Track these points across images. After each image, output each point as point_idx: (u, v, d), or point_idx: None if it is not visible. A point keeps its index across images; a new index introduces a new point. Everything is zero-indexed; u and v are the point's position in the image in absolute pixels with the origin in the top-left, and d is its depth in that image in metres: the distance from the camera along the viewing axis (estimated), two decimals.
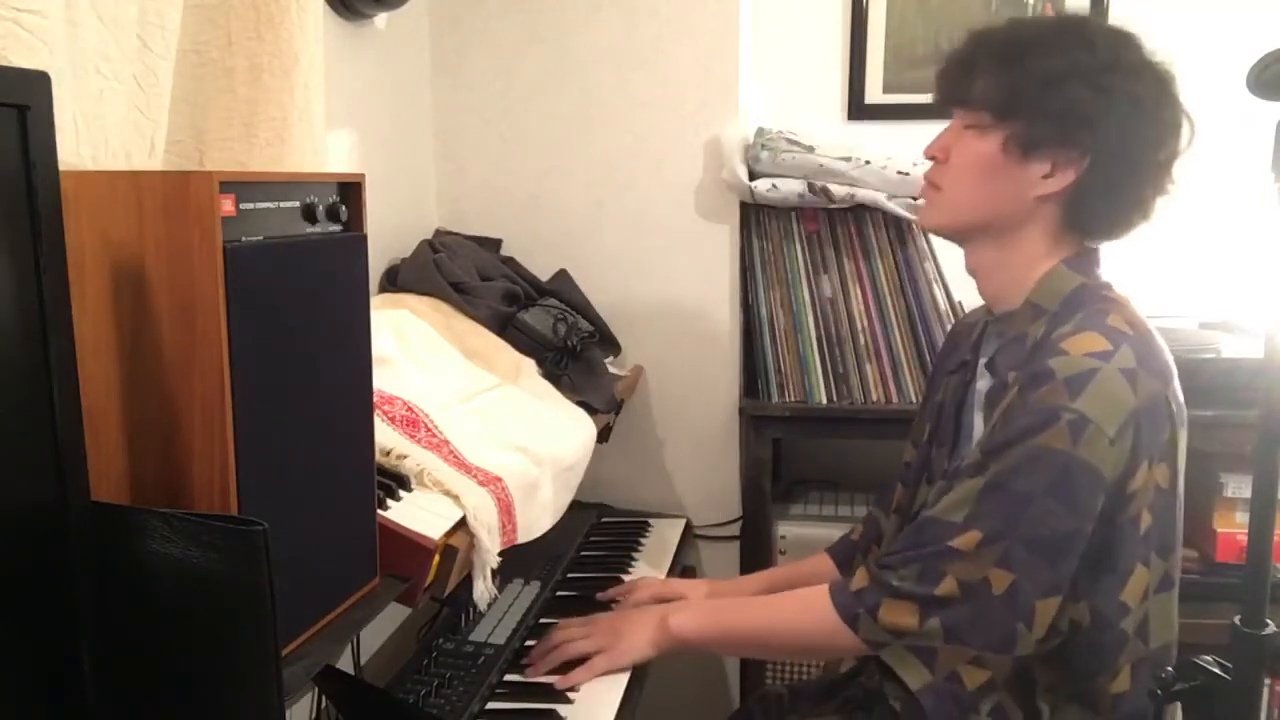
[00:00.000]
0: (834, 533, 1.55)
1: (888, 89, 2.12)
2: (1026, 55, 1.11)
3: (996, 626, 1.08)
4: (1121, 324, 1.11)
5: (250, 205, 0.78)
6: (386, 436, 1.14)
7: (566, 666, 1.31)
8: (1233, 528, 1.81)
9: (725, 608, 1.36)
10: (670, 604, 1.33)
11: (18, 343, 0.64)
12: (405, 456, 1.13)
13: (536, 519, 1.31)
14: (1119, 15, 2.04)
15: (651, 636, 1.28)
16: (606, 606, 1.51)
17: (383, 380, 1.18)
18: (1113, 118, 1.09)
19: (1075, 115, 1.09)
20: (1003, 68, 1.12)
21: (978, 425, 1.23)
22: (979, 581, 1.08)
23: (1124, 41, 1.12)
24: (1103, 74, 1.09)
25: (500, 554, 1.18)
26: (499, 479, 1.21)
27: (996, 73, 1.13)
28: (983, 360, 1.26)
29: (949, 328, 1.82)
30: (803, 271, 1.91)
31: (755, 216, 1.94)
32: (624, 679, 1.30)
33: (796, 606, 1.24)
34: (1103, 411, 1.05)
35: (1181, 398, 1.14)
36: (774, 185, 1.86)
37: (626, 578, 1.69)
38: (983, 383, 1.24)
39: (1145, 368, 1.08)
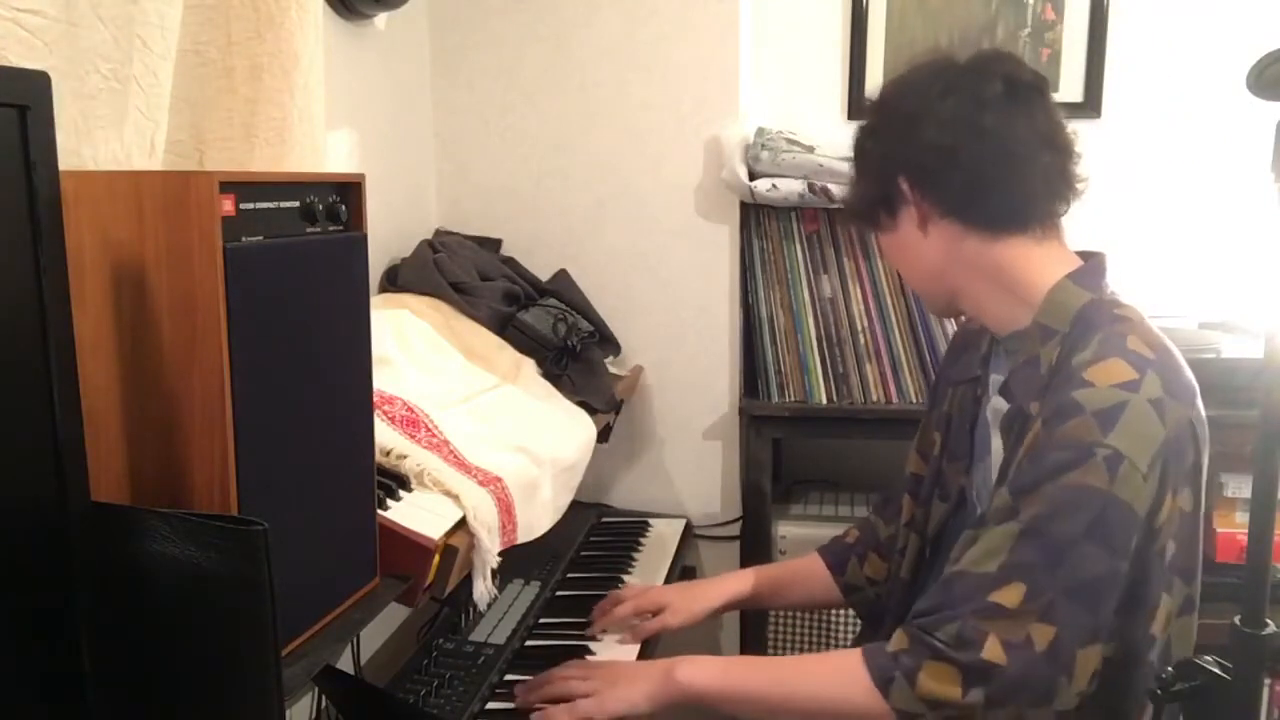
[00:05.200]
0: (833, 533, 1.54)
1: None
2: (852, 177, 1.30)
3: (1039, 683, 1.04)
4: (1142, 347, 1.08)
5: (250, 205, 0.78)
6: (386, 436, 1.14)
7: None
8: (1233, 528, 1.82)
9: (743, 664, 1.29)
10: (681, 656, 1.23)
11: (18, 343, 0.64)
12: (405, 456, 1.13)
13: (536, 519, 1.31)
14: (1119, 12, 2.04)
15: (648, 689, 1.19)
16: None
17: (383, 380, 1.18)
18: (885, 147, 1.22)
19: (869, 172, 1.25)
20: (846, 198, 1.38)
21: (995, 445, 1.21)
22: (1022, 641, 1.03)
23: (888, 90, 1.25)
24: (870, 123, 1.25)
25: (500, 554, 1.18)
26: (499, 479, 1.21)
27: (847, 204, 1.36)
28: (994, 376, 1.24)
29: (949, 329, 1.82)
30: (803, 271, 1.91)
31: (755, 216, 1.94)
32: None
33: (824, 668, 1.18)
34: (1135, 446, 1.03)
35: (1204, 414, 1.11)
36: (774, 185, 1.86)
37: (626, 578, 1.70)
38: (997, 401, 1.22)
39: (1171, 395, 1.06)
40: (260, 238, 0.79)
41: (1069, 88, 2.06)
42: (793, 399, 1.92)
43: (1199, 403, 1.10)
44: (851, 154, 1.28)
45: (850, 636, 1.95)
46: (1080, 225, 1.24)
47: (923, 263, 1.23)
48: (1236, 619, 0.89)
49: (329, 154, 1.24)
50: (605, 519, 2.00)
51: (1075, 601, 1.03)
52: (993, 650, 1.03)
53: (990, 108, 1.14)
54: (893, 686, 1.07)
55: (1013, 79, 1.16)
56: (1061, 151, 1.17)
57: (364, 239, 0.92)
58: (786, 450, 2.22)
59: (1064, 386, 1.07)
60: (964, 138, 1.14)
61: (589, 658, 1.38)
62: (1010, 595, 1.03)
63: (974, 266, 1.19)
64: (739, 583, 1.49)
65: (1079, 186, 1.19)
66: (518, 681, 1.32)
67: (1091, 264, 1.18)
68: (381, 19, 1.77)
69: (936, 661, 1.05)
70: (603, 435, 1.77)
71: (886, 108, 1.24)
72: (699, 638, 1.47)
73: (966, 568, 1.07)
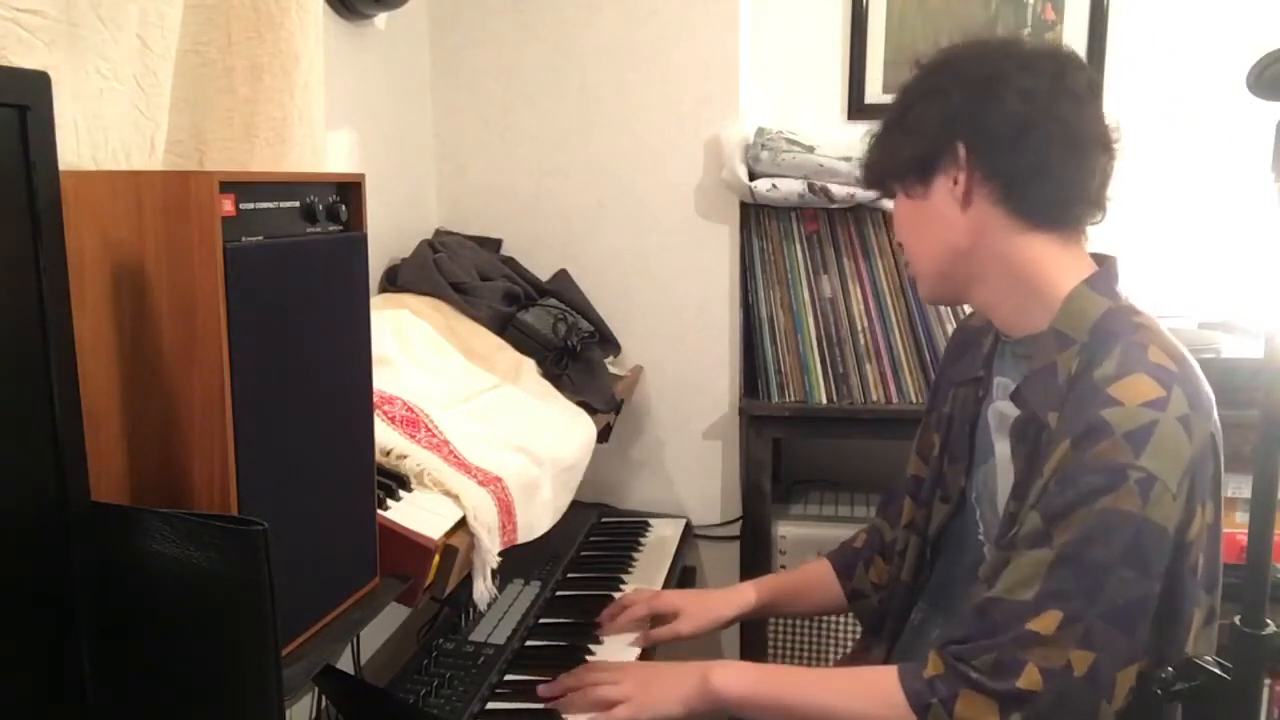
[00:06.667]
0: (833, 533, 1.55)
1: (888, 89, 2.11)
2: (883, 132, 1.23)
3: (1079, 707, 1.03)
4: (1164, 359, 1.06)
5: (250, 205, 0.78)
6: (386, 436, 1.14)
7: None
8: (1233, 528, 1.81)
9: (778, 674, 1.27)
10: (715, 661, 1.22)
11: (18, 343, 0.64)
12: (405, 456, 1.13)
13: (536, 519, 1.31)
14: (1119, 12, 2.04)
15: (684, 693, 1.19)
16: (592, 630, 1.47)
17: (383, 380, 1.18)
18: (952, 107, 1.14)
19: (922, 129, 1.16)
20: (875, 153, 1.24)
21: (1000, 449, 1.20)
22: (1061, 667, 1.02)
23: (954, 52, 1.18)
24: (929, 82, 1.17)
25: (500, 554, 1.18)
26: (499, 479, 1.21)
27: (878, 157, 1.24)
28: (999, 378, 1.23)
29: (949, 328, 1.82)
30: (803, 271, 1.91)
31: (755, 216, 1.94)
32: None
33: (858, 686, 1.15)
34: (1166, 466, 1.02)
35: (1219, 424, 1.10)
36: (774, 185, 1.86)
37: (626, 578, 1.70)
38: (1003, 405, 1.20)
39: (1196, 409, 1.05)
40: (260, 238, 0.79)
41: None
42: (793, 399, 1.92)
43: (1215, 414, 1.09)
44: (896, 107, 1.21)
45: (850, 639, 1.95)
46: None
47: (949, 240, 1.17)
48: (1236, 619, 0.89)
49: (329, 154, 1.24)
50: (605, 519, 2.00)
51: (1113, 626, 1.02)
52: (1029, 678, 1.02)
53: (1067, 96, 1.12)
54: (930, 712, 1.06)
55: (1086, 76, 1.14)
56: (1112, 159, 1.16)
57: (364, 239, 0.92)
58: (786, 450, 2.22)
59: (1089, 403, 1.05)
60: (1040, 117, 1.10)
61: (589, 659, 1.38)
62: (1047, 623, 1.03)
63: (1001, 257, 1.15)
64: (751, 592, 1.48)
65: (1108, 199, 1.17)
66: (518, 681, 1.32)
67: (1106, 268, 1.16)
68: (381, 19, 1.77)
69: (972, 691, 1.04)
70: (603, 435, 1.77)
71: (955, 68, 1.16)
72: (699, 639, 1.47)
73: (1001, 595, 1.06)
